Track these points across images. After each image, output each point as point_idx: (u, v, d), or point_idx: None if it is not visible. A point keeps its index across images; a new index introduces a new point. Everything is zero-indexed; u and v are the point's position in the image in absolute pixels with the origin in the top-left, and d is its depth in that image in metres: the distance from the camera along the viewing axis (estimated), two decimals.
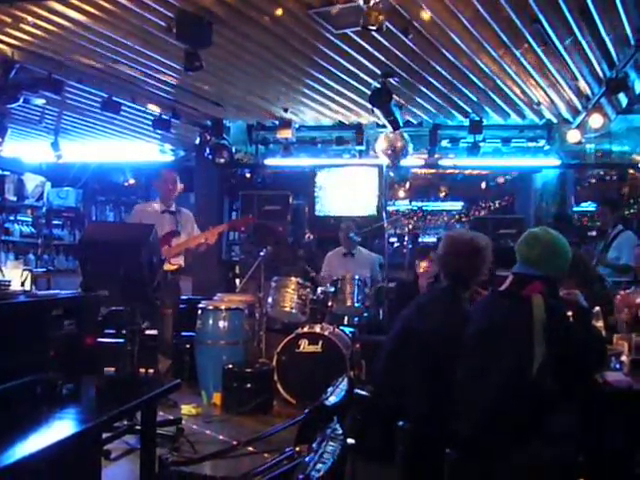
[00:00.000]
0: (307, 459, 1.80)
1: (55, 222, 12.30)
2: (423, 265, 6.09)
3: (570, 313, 3.33)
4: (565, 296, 3.45)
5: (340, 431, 2.06)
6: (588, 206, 12.78)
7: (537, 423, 3.01)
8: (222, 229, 6.51)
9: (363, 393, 4.04)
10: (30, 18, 5.46)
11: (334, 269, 7.77)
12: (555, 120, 8.71)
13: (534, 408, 3.02)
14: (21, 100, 6.71)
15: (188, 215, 6.66)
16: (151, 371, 5.81)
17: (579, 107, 7.97)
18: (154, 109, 7.92)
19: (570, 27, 5.53)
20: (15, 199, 11.11)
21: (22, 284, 4.87)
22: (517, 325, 3.13)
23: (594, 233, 8.55)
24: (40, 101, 7.22)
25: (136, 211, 6.75)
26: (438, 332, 3.55)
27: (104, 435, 4.33)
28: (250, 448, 4.39)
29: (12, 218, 11.34)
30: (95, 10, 5.27)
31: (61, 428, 2.42)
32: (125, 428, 4.79)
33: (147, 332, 5.74)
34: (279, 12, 5.23)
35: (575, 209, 12.04)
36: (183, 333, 7.37)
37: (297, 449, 2.09)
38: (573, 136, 8.24)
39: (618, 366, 3.37)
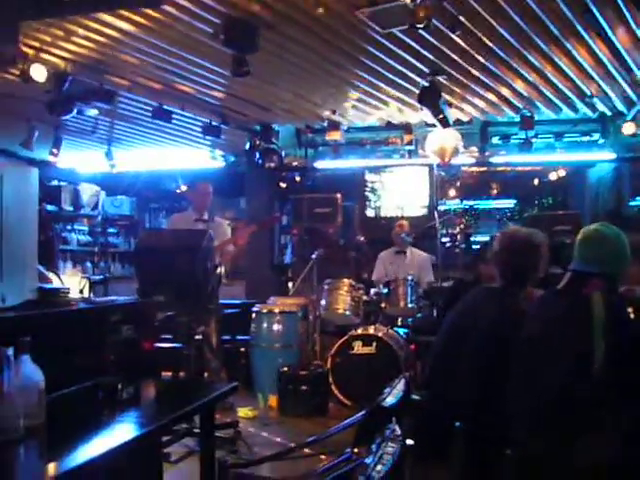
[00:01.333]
0: (367, 460, 1.79)
1: (110, 230, 12.54)
2: (487, 269, 5.99)
3: (630, 310, 3.25)
4: (625, 292, 3.37)
5: (399, 432, 2.05)
6: None
7: (599, 424, 2.95)
8: (251, 230, 6.62)
9: (417, 398, 4.02)
10: (81, 31, 5.57)
11: (387, 267, 7.76)
12: (609, 113, 8.52)
13: (595, 408, 2.96)
14: (75, 111, 6.85)
15: (221, 223, 6.77)
16: (206, 374, 5.91)
17: (634, 98, 7.78)
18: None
19: (622, 15, 5.40)
20: (72, 209, 11.35)
21: (80, 291, 4.99)
22: (576, 323, 3.07)
23: None
24: (93, 112, 7.36)
25: (172, 220, 6.93)
26: (494, 331, 3.50)
27: (164, 438, 4.40)
28: (307, 450, 4.40)
29: (69, 227, 11.60)
30: (144, 20, 5.35)
31: (122, 431, 2.45)
32: (184, 431, 4.85)
33: (202, 336, 5.83)
34: (321, 11, 5.22)
35: (631, 203, 11.76)
36: (238, 337, 7.45)
37: (355, 450, 2.08)
38: (628, 128, 8.06)
39: None
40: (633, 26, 5.58)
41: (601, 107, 8.28)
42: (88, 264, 11.57)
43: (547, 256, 3.69)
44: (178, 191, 13.21)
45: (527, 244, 3.65)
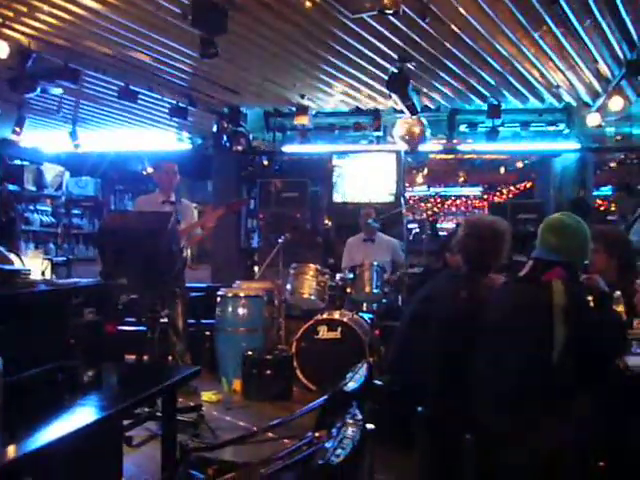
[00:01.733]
0: (327, 444, 1.80)
1: (74, 211, 12.38)
2: (454, 260, 6.02)
3: (590, 298, 3.31)
4: (585, 281, 3.43)
5: (360, 416, 2.06)
6: (608, 190, 12.67)
7: (557, 408, 3.00)
8: (219, 213, 6.54)
9: (379, 383, 4.04)
10: (46, 7, 5.47)
11: (354, 255, 7.77)
12: (575, 103, 8.62)
13: (554, 393, 3.01)
14: (38, 90, 6.73)
15: (188, 205, 6.67)
16: (170, 358, 5.89)
17: (599, 90, 7.88)
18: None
19: (589, 8, 5.46)
20: (34, 189, 11.18)
21: (42, 273, 4.93)
22: (537, 310, 3.12)
23: (615, 217, 8.46)
24: (57, 90, 7.24)
25: (138, 202, 6.82)
26: (456, 317, 3.54)
27: (126, 422, 4.37)
28: (270, 434, 4.40)
29: (32, 208, 11.42)
30: None
31: (83, 415, 2.43)
32: (146, 415, 4.83)
33: (167, 320, 5.82)
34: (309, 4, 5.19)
35: (595, 193, 11.92)
36: (203, 321, 7.42)
37: (316, 435, 2.09)
38: (593, 119, 8.16)
39: (639, 350, 3.34)
40: (599, 18, 5.64)
41: (567, 97, 8.37)
42: (51, 245, 11.41)
43: (510, 243, 3.73)
44: (144, 173, 13.08)
45: (490, 231, 3.68)
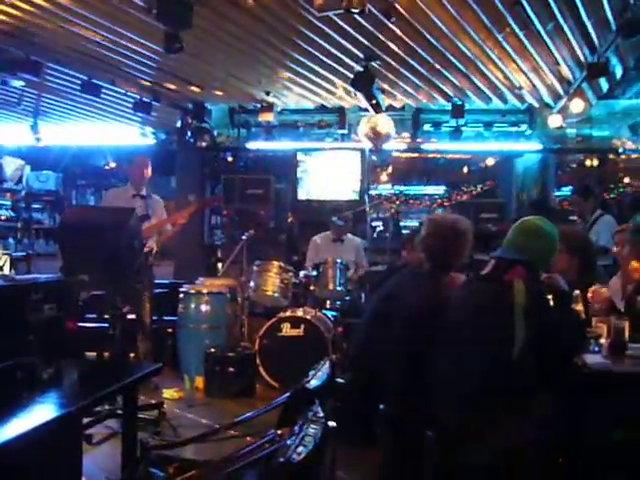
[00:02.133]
0: (288, 442, 1.81)
1: (35, 206, 12.20)
2: (413, 257, 6.06)
3: (550, 297, 3.36)
4: (546, 280, 3.48)
5: (321, 414, 2.07)
6: (569, 191, 12.85)
7: (517, 406, 3.04)
8: (191, 210, 6.53)
9: (341, 381, 4.06)
10: None
11: (321, 254, 7.74)
12: (537, 104, 8.75)
13: (514, 391, 3.05)
14: None
15: (158, 200, 6.65)
16: (132, 355, 5.84)
17: (560, 92, 8.00)
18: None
19: (552, 11, 5.52)
20: None
21: (1, 268, 4.85)
22: (498, 309, 3.15)
23: (575, 217, 8.59)
24: (18, 83, 7.12)
25: (108, 196, 6.77)
26: (417, 316, 3.56)
27: (86, 420, 4.32)
28: (232, 432, 4.39)
29: None
30: None
31: (41, 413, 2.41)
32: (107, 412, 4.78)
33: (128, 316, 5.76)
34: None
35: (556, 193, 12.10)
36: (165, 317, 7.36)
37: (279, 432, 2.09)
38: (554, 121, 8.27)
39: (597, 349, 3.40)
40: (561, 21, 5.72)
41: (529, 99, 8.49)
42: (10, 240, 11.22)
43: (472, 242, 3.77)
44: (107, 168, 12.94)
45: (452, 230, 3.72)
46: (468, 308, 3.31)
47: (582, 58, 6.67)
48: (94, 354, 5.14)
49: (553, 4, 5.39)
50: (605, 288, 4.04)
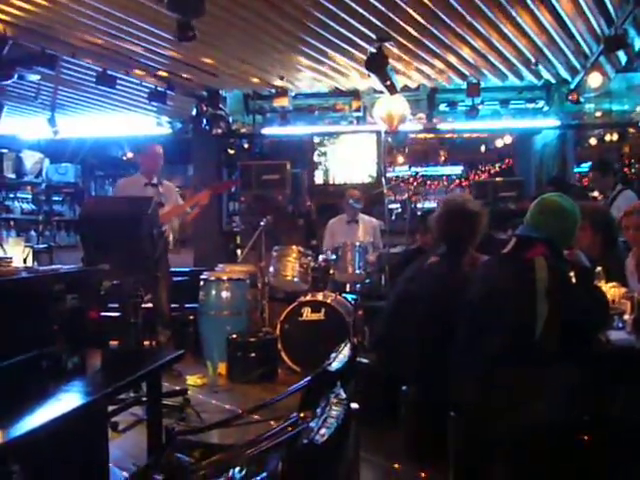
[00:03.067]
0: (311, 424, 1.81)
1: (55, 198, 12.29)
2: (426, 239, 6.05)
3: (572, 274, 3.34)
4: (568, 257, 3.46)
5: (344, 396, 2.07)
6: (588, 167, 12.74)
7: (540, 383, 3.04)
8: (206, 195, 6.52)
9: (365, 361, 4.07)
10: None
11: (337, 237, 7.76)
12: (553, 80, 8.65)
13: (537, 368, 3.05)
14: (15, 77, 6.65)
15: (170, 186, 6.65)
16: (154, 343, 5.88)
17: (577, 66, 7.90)
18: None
19: None
20: (14, 176, 11.06)
21: (24, 260, 4.89)
22: (520, 287, 3.14)
23: (596, 194, 8.51)
24: (35, 77, 7.15)
25: (119, 185, 6.74)
26: (439, 297, 3.56)
27: (111, 407, 4.37)
28: (256, 416, 4.42)
29: (12, 195, 11.32)
30: None
31: (67, 401, 2.44)
32: (132, 400, 4.84)
33: (152, 305, 5.81)
34: None
35: (576, 170, 11.99)
36: (186, 304, 7.42)
37: (301, 415, 2.10)
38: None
39: (621, 325, 3.38)
40: None
41: (546, 75, 8.39)
42: (32, 233, 11.32)
43: (484, 223, 3.76)
44: (124, 158, 13.00)
45: (461, 212, 3.71)
46: (490, 287, 3.31)
47: (599, 31, 6.58)
48: (116, 342, 5.21)
49: None
50: None
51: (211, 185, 6.79)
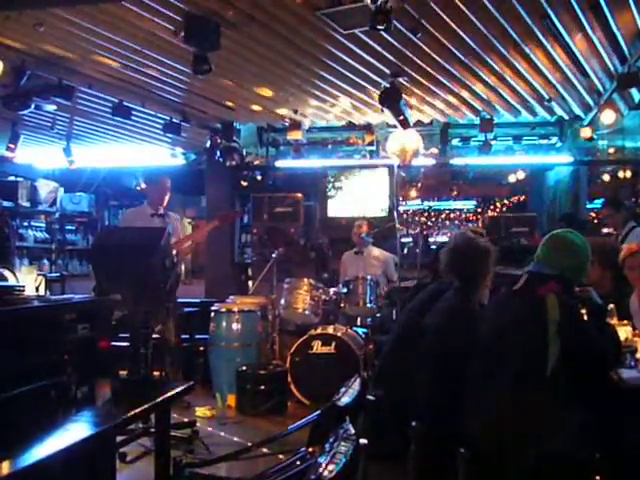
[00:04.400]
0: (319, 459, 1.80)
1: (68, 227, 12.37)
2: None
3: (584, 311, 3.32)
4: (579, 293, 3.44)
5: (352, 431, 2.06)
6: (602, 203, 12.71)
7: (552, 421, 3.00)
8: (210, 227, 6.54)
9: (372, 398, 4.04)
10: (40, 25, 5.48)
11: (348, 269, 7.79)
12: (567, 117, 8.67)
13: (548, 406, 3.01)
14: (32, 107, 6.73)
15: (176, 218, 6.65)
16: (163, 374, 5.87)
17: (591, 103, 7.93)
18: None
19: (580, 22, 5.49)
20: (28, 205, 11.16)
21: (36, 289, 4.92)
22: (531, 324, 3.12)
23: (610, 230, 8.49)
24: (51, 107, 7.25)
25: (127, 215, 6.74)
26: (449, 331, 3.54)
27: (120, 438, 4.36)
28: (264, 449, 4.40)
29: (26, 224, 11.40)
30: (103, 16, 5.29)
31: (76, 431, 2.43)
32: (140, 431, 4.82)
33: (159, 335, 5.80)
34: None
35: (588, 206, 11.97)
36: (197, 335, 7.41)
37: (310, 450, 2.09)
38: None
39: (633, 363, 3.35)
40: (589, 32, 5.68)
41: (559, 111, 8.41)
42: (45, 261, 11.37)
43: (494, 260, 3.76)
44: (138, 189, 13.09)
45: (471, 248, 3.71)
46: (500, 323, 3.29)
47: (612, 68, 6.61)
48: (126, 373, 5.20)
49: (581, 15, 5.36)
50: None
51: (216, 216, 6.81)
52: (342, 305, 7.15)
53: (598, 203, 12.57)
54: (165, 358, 6.05)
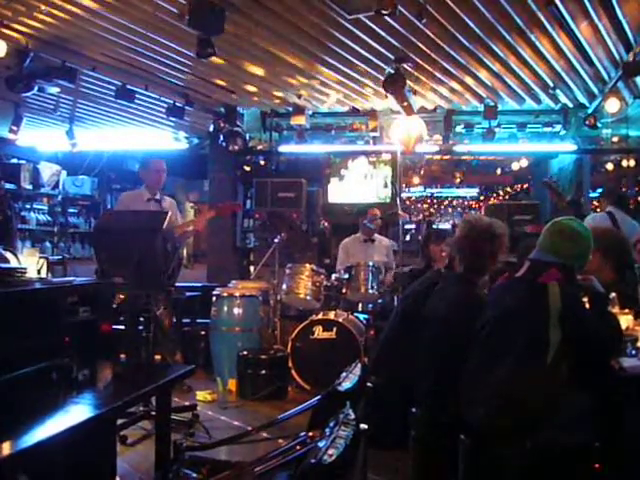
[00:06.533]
0: (319, 444, 1.81)
1: (71, 210, 12.39)
2: (438, 250, 6.03)
3: (585, 299, 3.31)
4: (581, 282, 3.43)
5: (352, 416, 2.07)
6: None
7: (552, 409, 3.01)
8: (210, 215, 6.49)
9: (370, 385, 4.05)
10: (44, 6, 5.47)
11: (353, 256, 7.76)
12: (571, 105, 8.63)
13: (549, 394, 3.02)
14: (36, 89, 6.72)
15: (172, 202, 6.58)
16: (159, 357, 5.88)
17: (595, 91, 7.89)
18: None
19: (586, 9, 5.46)
20: (31, 187, 11.17)
21: (38, 271, 4.92)
22: (533, 312, 3.12)
23: None
24: (54, 90, 7.23)
25: (123, 199, 6.64)
26: (452, 317, 3.54)
27: (121, 421, 4.38)
28: (264, 434, 4.41)
29: (28, 206, 11.42)
30: None
31: (77, 413, 2.44)
32: (141, 414, 4.84)
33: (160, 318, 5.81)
34: None
35: (591, 195, 11.94)
36: (198, 320, 7.43)
37: (310, 434, 2.09)
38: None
39: (634, 352, 3.34)
40: (595, 19, 5.65)
41: (563, 99, 8.38)
42: (47, 244, 11.41)
43: (506, 246, 3.73)
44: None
45: (488, 233, 3.69)
46: (502, 310, 3.28)
47: (617, 57, 6.58)
48: (126, 356, 5.22)
49: (587, 2, 5.33)
50: None
51: (214, 206, 6.77)
52: (344, 291, 7.15)
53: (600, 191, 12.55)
54: (160, 341, 6.07)
